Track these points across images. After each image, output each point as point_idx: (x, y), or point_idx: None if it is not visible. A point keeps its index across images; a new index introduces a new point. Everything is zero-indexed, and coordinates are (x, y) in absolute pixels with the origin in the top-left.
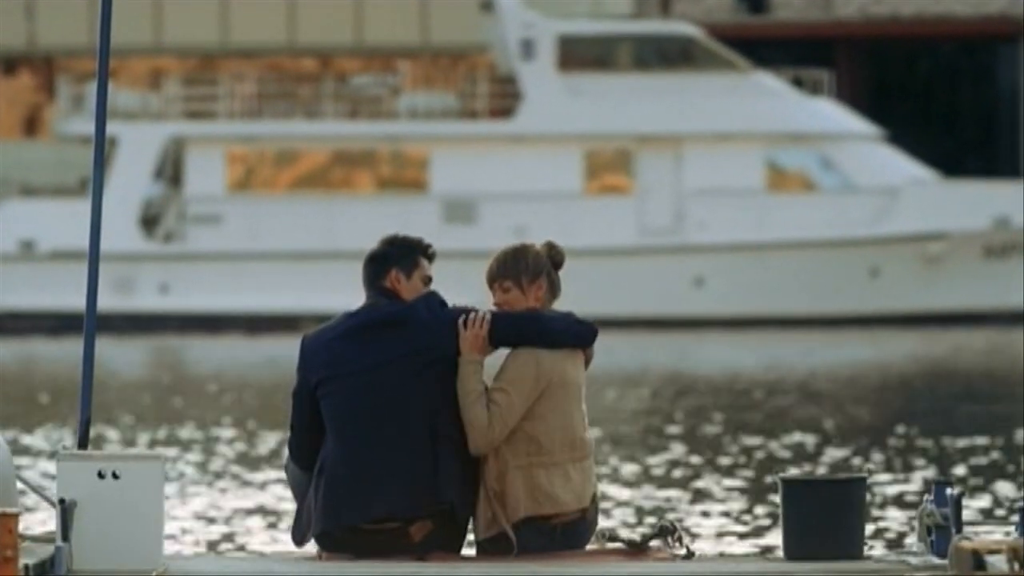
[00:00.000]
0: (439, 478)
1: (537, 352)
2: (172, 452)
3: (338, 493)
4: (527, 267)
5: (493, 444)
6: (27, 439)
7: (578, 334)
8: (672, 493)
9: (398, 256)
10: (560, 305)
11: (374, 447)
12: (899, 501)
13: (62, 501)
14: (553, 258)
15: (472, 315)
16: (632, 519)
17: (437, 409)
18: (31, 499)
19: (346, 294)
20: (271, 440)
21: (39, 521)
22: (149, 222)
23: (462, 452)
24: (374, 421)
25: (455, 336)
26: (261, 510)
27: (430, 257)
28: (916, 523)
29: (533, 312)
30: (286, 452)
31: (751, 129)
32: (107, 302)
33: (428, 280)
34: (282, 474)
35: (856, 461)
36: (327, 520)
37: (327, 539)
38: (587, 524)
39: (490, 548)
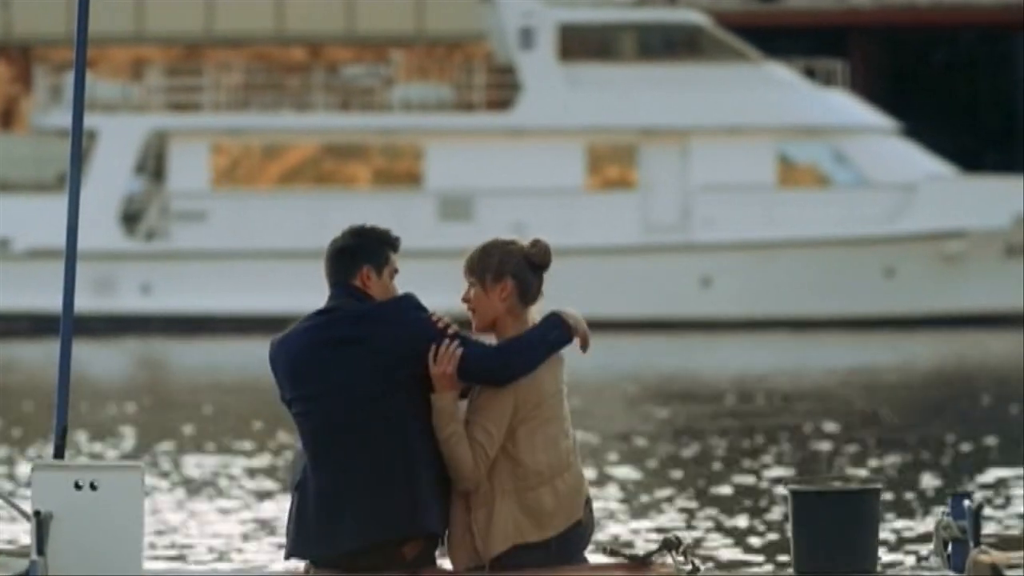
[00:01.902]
0: (418, 506)
1: (514, 384)
2: (153, 461)
3: (308, 522)
4: (490, 267)
5: (479, 481)
6: (1, 448)
7: (550, 347)
8: (677, 504)
9: (369, 250)
10: (561, 306)
11: (344, 475)
12: (915, 513)
13: (37, 513)
14: (530, 258)
15: (442, 348)
16: (635, 532)
17: (411, 429)
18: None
19: None
20: (257, 448)
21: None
22: (130, 219)
23: (441, 474)
24: (342, 447)
25: (429, 346)
26: (246, 521)
27: (397, 249)
28: (933, 536)
29: (505, 345)
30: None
31: (761, 122)
32: (86, 303)
33: (395, 273)
34: (269, 483)
35: (870, 470)
36: (298, 548)
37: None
38: (583, 530)
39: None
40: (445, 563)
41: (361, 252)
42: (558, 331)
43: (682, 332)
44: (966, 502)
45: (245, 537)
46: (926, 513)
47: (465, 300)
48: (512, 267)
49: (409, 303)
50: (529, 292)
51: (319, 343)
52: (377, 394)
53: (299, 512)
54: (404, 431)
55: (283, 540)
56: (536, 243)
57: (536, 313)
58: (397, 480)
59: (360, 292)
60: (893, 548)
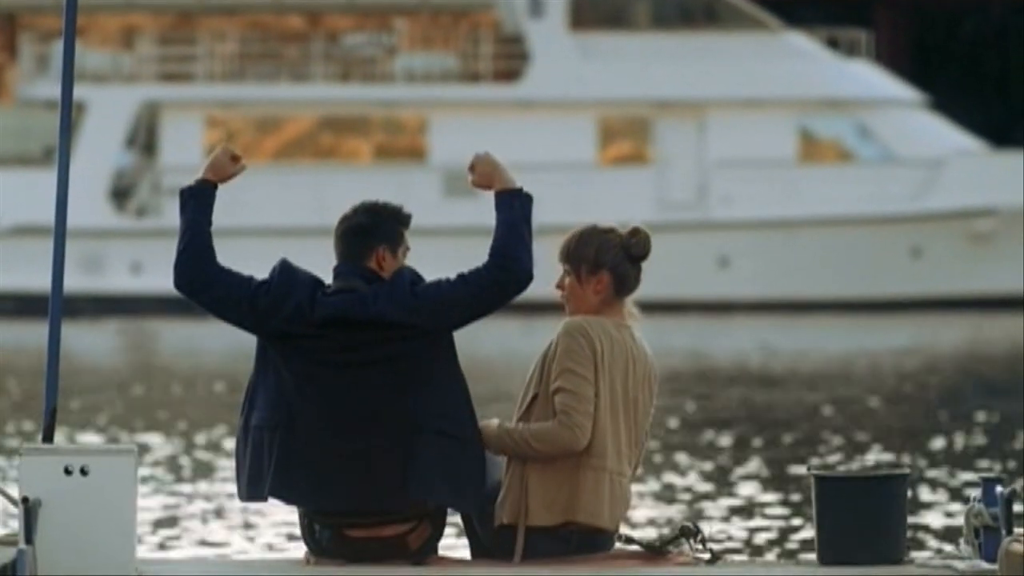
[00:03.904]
0: (411, 475)
1: (586, 324)
2: (145, 445)
3: (294, 468)
4: (587, 258)
5: (582, 430)
6: None
7: (526, 218)
8: (694, 490)
9: (384, 230)
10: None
11: (339, 439)
12: (944, 499)
13: (25, 500)
14: (629, 249)
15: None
16: (651, 520)
17: (417, 400)
18: None
19: None
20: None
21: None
22: (120, 195)
23: (454, 447)
24: (340, 418)
25: (430, 317)
26: (241, 507)
27: (408, 225)
28: (963, 524)
29: (491, 257)
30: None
31: (781, 95)
32: (74, 282)
33: (407, 252)
34: None
35: (897, 455)
36: (281, 492)
37: (315, 544)
38: (607, 536)
39: (492, 540)
40: (456, 555)
41: (376, 232)
42: (519, 200)
43: (698, 314)
44: (998, 488)
45: (241, 523)
46: (956, 500)
47: (559, 287)
48: (610, 259)
49: (408, 276)
50: (625, 285)
51: (329, 321)
52: (384, 374)
53: (283, 452)
54: (407, 402)
55: (281, 528)
56: (636, 233)
57: (632, 303)
58: (391, 450)
59: (374, 274)
60: (921, 536)
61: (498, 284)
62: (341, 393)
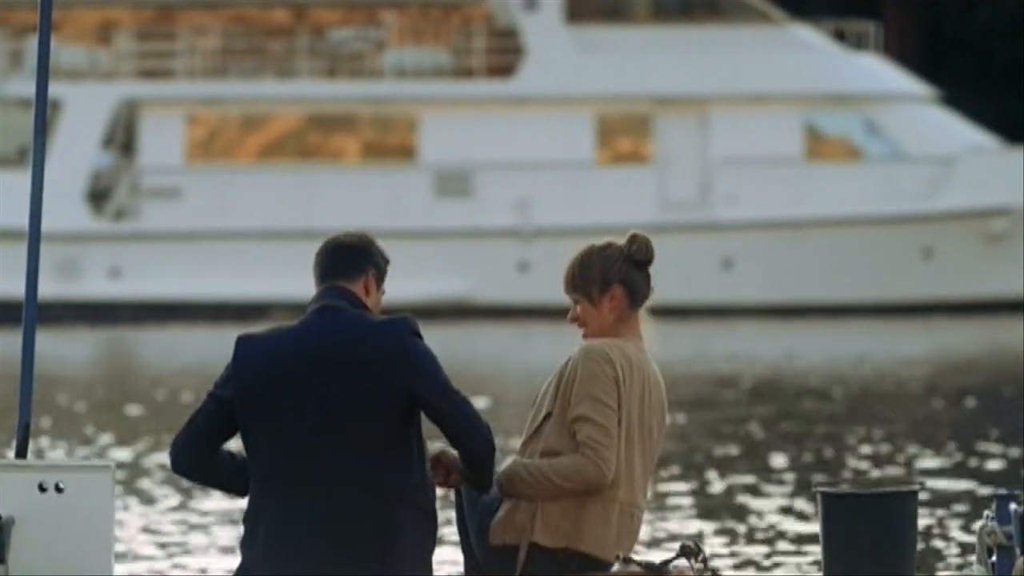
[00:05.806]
0: (397, 556)
1: (608, 350)
2: (124, 460)
3: (285, 548)
4: (594, 279)
5: (607, 465)
6: None
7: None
8: (695, 507)
9: (377, 258)
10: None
11: (314, 512)
12: (956, 517)
13: None
14: (632, 256)
15: (438, 460)
16: (651, 538)
17: (388, 467)
18: None
19: None
20: (234, 445)
21: None
22: (98, 197)
23: (424, 520)
24: (317, 482)
25: (428, 377)
26: (222, 523)
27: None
28: (976, 542)
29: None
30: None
31: (787, 90)
32: (49, 288)
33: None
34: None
35: (906, 470)
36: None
37: None
38: (607, 565)
39: (489, 557)
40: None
41: (370, 256)
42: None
43: (701, 318)
44: (1012, 505)
45: (221, 541)
46: (968, 517)
47: (573, 319)
48: (617, 272)
49: (409, 327)
50: (638, 294)
51: (313, 354)
52: (366, 429)
53: (269, 538)
54: (381, 469)
55: None
56: (635, 239)
57: (646, 313)
58: (376, 527)
59: (357, 300)
60: (931, 556)
61: (480, 435)
62: (318, 461)
